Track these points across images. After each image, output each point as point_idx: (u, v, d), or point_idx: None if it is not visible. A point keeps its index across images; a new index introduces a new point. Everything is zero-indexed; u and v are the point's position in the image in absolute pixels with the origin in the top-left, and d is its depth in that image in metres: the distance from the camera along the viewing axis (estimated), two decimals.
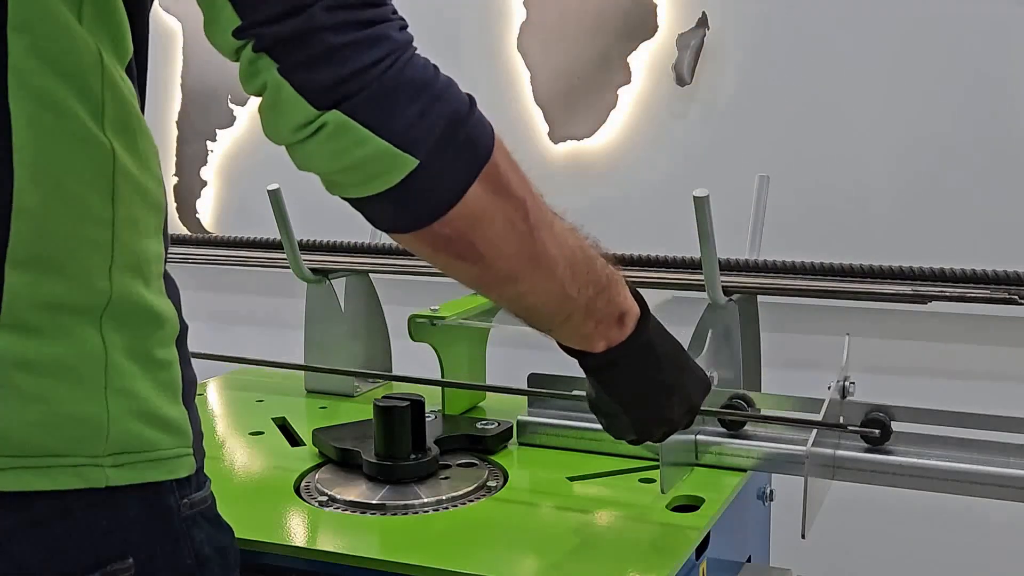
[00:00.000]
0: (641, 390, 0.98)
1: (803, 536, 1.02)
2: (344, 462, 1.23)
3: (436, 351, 1.41)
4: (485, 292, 0.89)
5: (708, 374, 1.25)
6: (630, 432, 1.01)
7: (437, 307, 1.40)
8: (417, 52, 0.79)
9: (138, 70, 0.81)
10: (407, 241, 0.82)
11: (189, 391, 0.84)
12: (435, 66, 0.80)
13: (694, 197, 1.22)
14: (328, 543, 1.06)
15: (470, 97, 0.81)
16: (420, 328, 1.39)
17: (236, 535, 1.06)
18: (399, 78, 0.75)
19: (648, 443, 1.11)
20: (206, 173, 2.22)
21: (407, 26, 0.79)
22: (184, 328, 0.85)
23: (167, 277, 0.84)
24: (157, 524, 0.80)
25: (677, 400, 1.00)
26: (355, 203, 0.79)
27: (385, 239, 1.70)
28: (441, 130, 0.77)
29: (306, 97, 0.73)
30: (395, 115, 0.75)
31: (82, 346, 0.75)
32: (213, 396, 1.60)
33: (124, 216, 0.77)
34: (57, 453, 0.74)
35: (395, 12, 0.79)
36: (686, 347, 1.34)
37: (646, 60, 1.82)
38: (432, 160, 0.76)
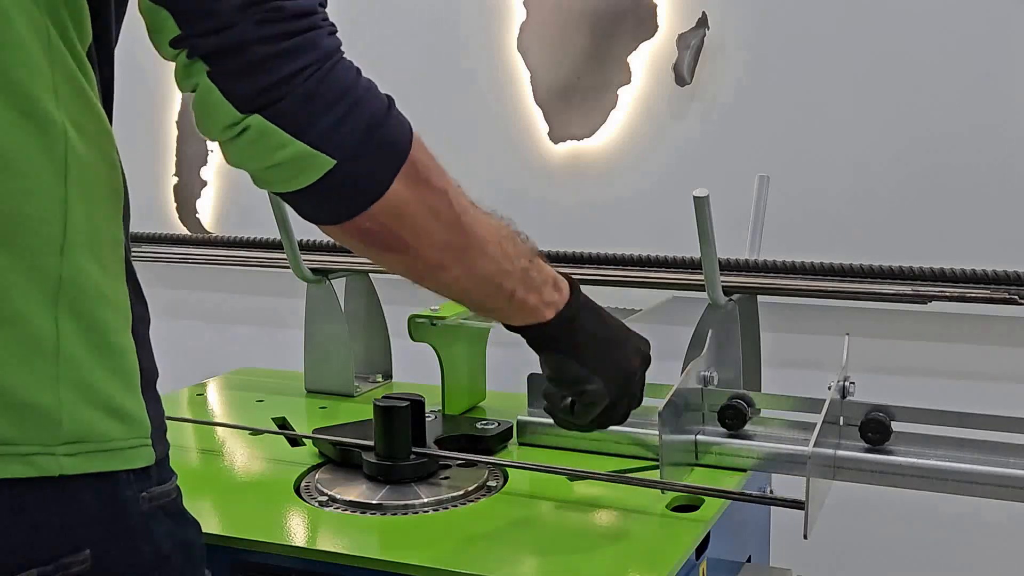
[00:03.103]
0: (601, 346, 1.03)
1: (805, 536, 1.02)
2: (344, 462, 1.23)
3: (436, 351, 1.40)
4: (420, 281, 0.95)
5: (708, 374, 1.27)
6: (603, 397, 1.03)
7: (437, 307, 1.40)
8: (343, 57, 0.84)
9: (102, 56, 0.82)
10: (336, 234, 0.88)
11: (148, 382, 0.85)
12: (358, 70, 0.86)
13: (694, 197, 1.22)
14: (328, 543, 1.06)
15: (389, 98, 0.88)
16: (420, 328, 1.39)
17: (236, 535, 1.06)
18: (320, 85, 0.81)
19: (647, 443, 1.12)
20: (206, 173, 2.22)
21: (336, 31, 0.84)
22: (144, 317, 0.85)
23: (128, 264, 0.84)
24: (114, 517, 0.79)
25: (631, 349, 1.06)
26: (283, 197, 0.85)
27: None
28: (359, 132, 0.83)
29: (232, 102, 0.79)
30: (313, 120, 0.80)
31: (33, 331, 0.75)
32: (213, 396, 1.60)
33: (77, 195, 0.77)
34: (8, 441, 0.74)
35: (325, 18, 0.83)
36: (686, 347, 1.35)
37: (646, 60, 1.82)
38: (350, 160, 0.82)
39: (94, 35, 0.80)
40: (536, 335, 1.02)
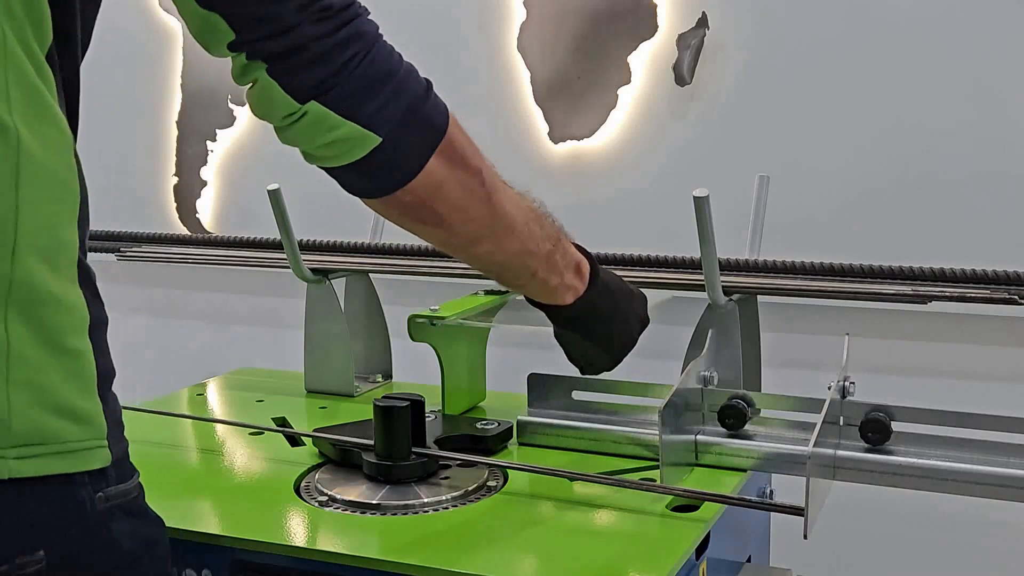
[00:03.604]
0: (610, 326, 1.14)
1: (805, 536, 1.02)
2: (344, 462, 1.23)
3: (436, 351, 1.40)
4: (455, 252, 1.05)
5: (708, 374, 1.27)
6: (607, 364, 1.20)
7: (437, 307, 1.40)
8: (382, 38, 0.89)
9: (64, 60, 0.82)
10: (378, 207, 0.96)
11: (105, 383, 0.85)
12: (399, 54, 0.91)
13: (694, 197, 1.22)
14: (328, 543, 1.06)
15: (428, 81, 0.94)
16: (420, 328, 1.39)
17: (236, 535, 1.06)
18: (369, 69, 0.87)
19: (647, 442, 1.13)
20: (206, 173, 2.22)
21: (370, 12, 0.89)
22: (101, 319, 0.86)
23: (83, 267, 0.84)
24: (69, 517, 0.79)
25: (634, 322, 1.18)
26: (331, 172, 0.94)
27: (385, 239, 1.70)
28: (402, 112, 0.90)
29: (291, 95, 0.86)
30: (363, 102, 0.87)
31: None
32: (213, 396, 1.60)
33: (30, 200, 0.77)
34: None
35: (361, 4, 0.89)
36: (686, 347, 1.35)
37: (646, 60, 1.82)
38: (393, 138, 0.89)
39: (55, 37, 0.80)
40: (554, 314, 1.11)
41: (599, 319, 1.13)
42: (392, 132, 0.89)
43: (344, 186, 0.95)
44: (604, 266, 1.51)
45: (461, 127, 0.97)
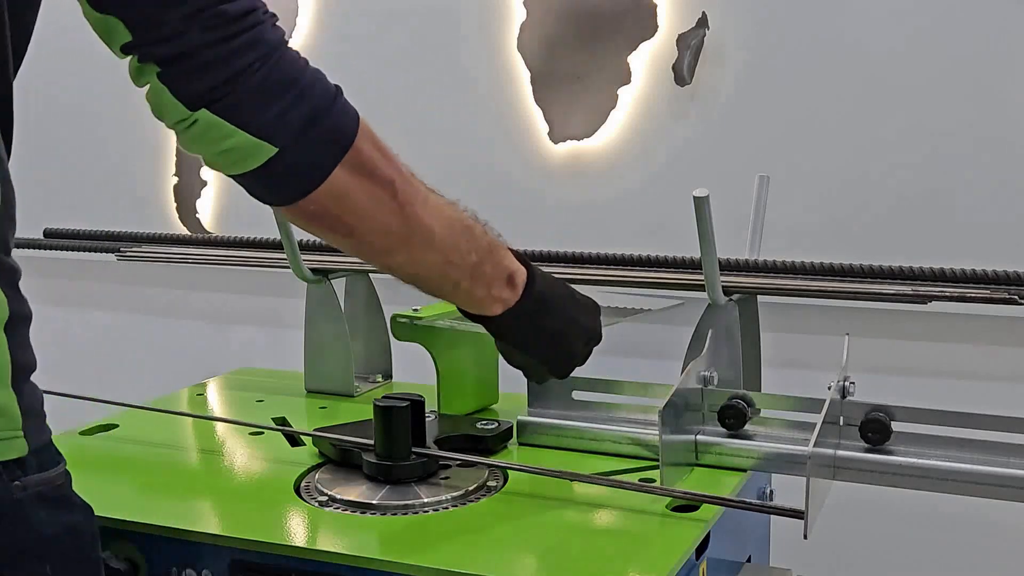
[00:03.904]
0: (544, 339, 1.12)
1: (805, 536, 1.02)
2: (344, 462, 1.23)
3: (430, 352, 1.40)
4: (367, 261, 1.03)
5: (708, 374, 1.26)
6: (547, 375, 1.18)
7: (419, 308, 1.42)
8: (287, 48, 0.88)
9: None
10: (284, 213, 0.94)
11: (20, 375, 0.86)
12: (304, 60, 0.89)
13: (694, 197, 1.22)
14: (328, 543, 1.06)
15: (336, 89, 0.91)
16: (402, 327, 1.41)
17: (236, 535, 1.06)
18: (266, 79, 0.85)
19: (647, 442, 1.13)
20: (206, 173, 2.22)
21: (278, 20, 0.88)
22: (21, 314, 0.87)
23: (4, 264, 0.87)
24: None
25: (575, 336, 1.15)
26: (234, 179, 0.92)
27: None
28: (302, 122, 0.87)
29: (181, 101, 0.85)
30: (257, 112, 0.86)
31: None
32: (213, 396, 1.60)
33: None
34: None
35: (266, 11, 0.87)
36: (686, 347, 1.35)
37: (646, 60, 1.82)
38: (292, 148, 0.87)
39: None
40: (484, 324, 1.10)
41: (531, 331, 1.11)
42: (291, 143, 0.87)
43: (250, 193, 0.94)
44: (605, 269, 1.51)
45: (374, 137, 0.94)
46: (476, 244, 1.03)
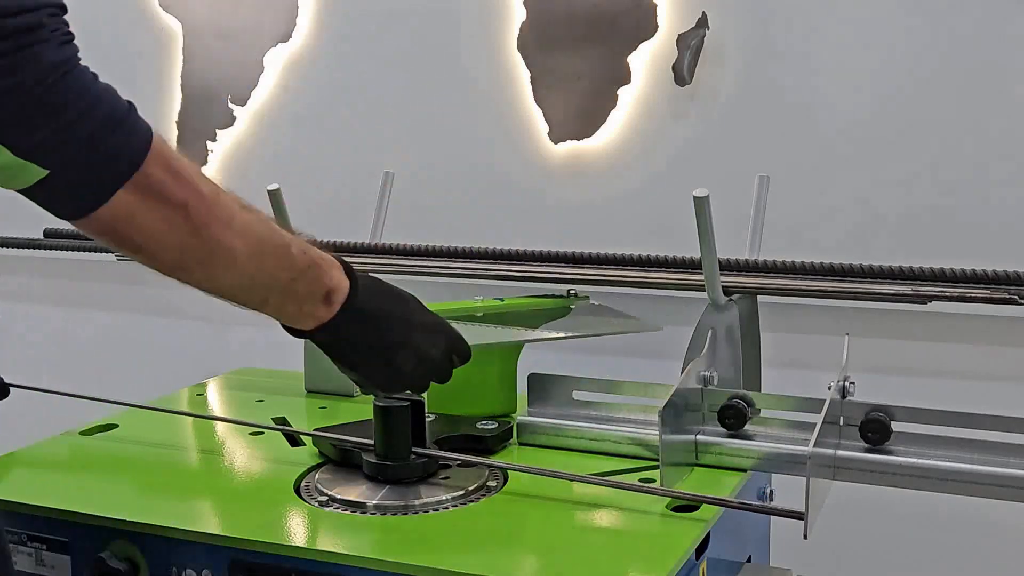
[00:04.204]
0: (363, 355, 1.09)
1: (805, 536, 1.02)
2: (344, 462, 1.23)
3: None
4: (167, 276, 0.99)
5: (708, 374, 1.26)
6: (371, 390, 1.17)
7: None
8: (73, 68, 0.85)
9: None
10: (73, 223, 0.92)
11: None
12: (92, 77, 0.87)
13: (694, 197, 1.22)
14: (328, 543, 1.06)
15: (127, 110, 0.89)
16: None
17: (236, 535, 1.06)
18: (37, 101, 0.82)
19: (647, 442, 1.12)
20: (206, 173, 2.21)
21: (70, 39, 0.86)
22: None
23: None
24: None
25: (405, 357, 1.11)
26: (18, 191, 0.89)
27: (385, 239, 1.70)
28: (77, 146, 0.85)
29: None
30: (24, 133, 0.83)
31: None
32: (213, 396, 1.60)
33: None
34: None
35: (55, 29, 0.85)
36: (686, 347, 1.34)
37: (646, 60, 1.82)
38: (64, 170, 0.85)
39: None
40: (302, 338, 1.08)
41: (349, 347, 1.09)
42: (63, 165, 0.85)
43: (35, 203, 0.91)
44: (605, 269, 1.51)
45: (169, 158, 0.92)
46: (289, 263, 1.01)
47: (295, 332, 1.07)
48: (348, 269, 1.07)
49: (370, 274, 1.11)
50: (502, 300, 1.46)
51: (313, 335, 1.07)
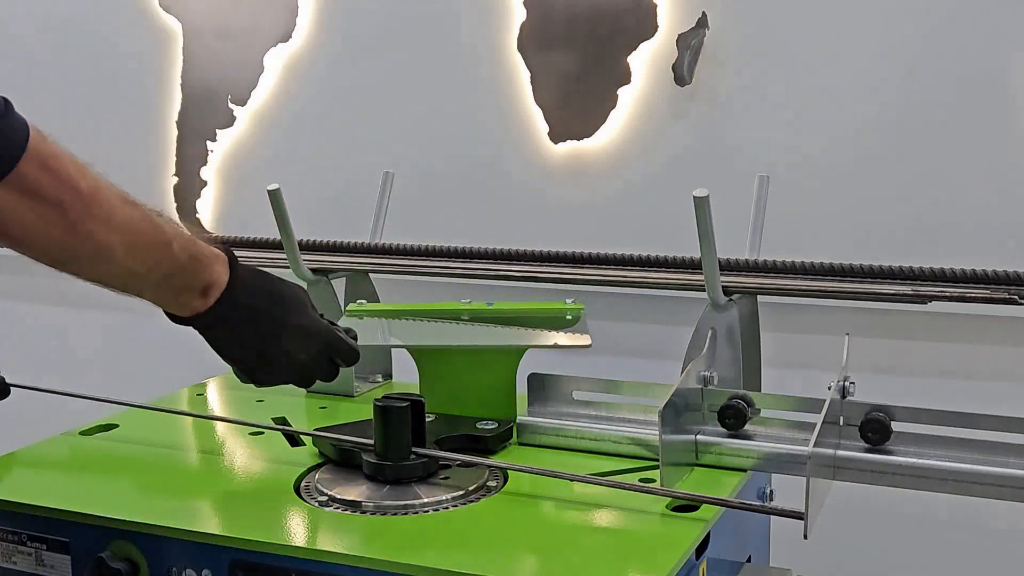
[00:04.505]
0: (233, 349, 1.15)
1: (805, 536, 1.02)
2: (344, 462, 1.23)
3: (412, 354, 1.41)
4: (48, 266, 1.03)
5: (708, 374, 1.26)
6: (245, 377, 1.19)
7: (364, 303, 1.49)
8: None
9: None
10: None
11: None
12: None
13: (694, 197, 1.22)
14: (328, 543, 1.06)
15: (2, 108, 0.92)
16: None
17: (236, 535, 1.06)
18: None
19: (647, 442, 1.12)
20: (206, 173, 2.22)
21: None
22: None
23: None
24: None
25: (274, 356, 1.16)
26: None
27: (385, 239, 1.70)
28: None
29: None
30: None
31: None
32: (213, 396, 1.60)
33: None
34: None
35: None
36: (686, 347, 1.34)
37: (646, 60, 1.82)
38: None
39: None
40: (178, 324, 1.13)
41: (223, 339, 1.14)
42: None
43: None
44: (605, 269, 1.50)
45: (46, 157, 0.95)
46: (169, 259, 1.06)
47: (172, 318, 1.12)
48: (233, 265, 1.12)
49: (263, 270, 1.17)
50: (490, 304, 1.46)
51: (188, 323, 1.12)
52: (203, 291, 1.10)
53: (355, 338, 1.24)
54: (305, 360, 1.17)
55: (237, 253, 1.75)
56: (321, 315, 1.21)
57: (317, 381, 1.22)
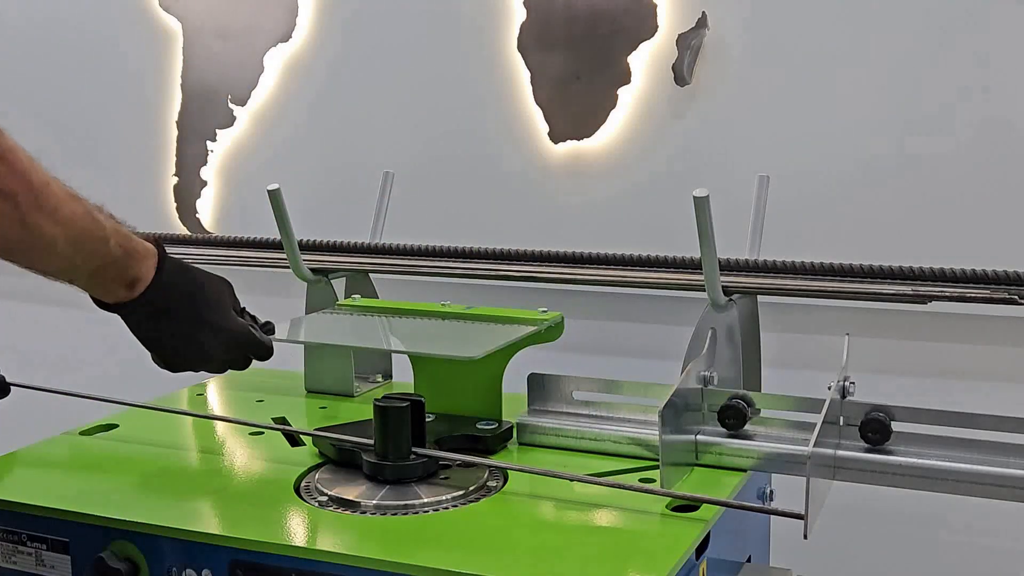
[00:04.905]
0: (152, 338, 1.20)
1: (805, 536, 1.02)
2: (344, 462, 1.23)
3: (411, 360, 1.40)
4: None
5: (708, 374, 1.26)
6: (160, 363, 1.23)
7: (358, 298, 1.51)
8: None
9: None
10: None
11: None
12: None
13: (694, 197, 1.22)
14: (328, 543, 1.06)
15: None
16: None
17: (235, 535, 1.06)
18: None
19: (647, 442, 1.11)
20: (206, 173, 2.22)
21: None
22: None
23: None
24: None
25: (186, 349, 1.21)
26: None
27: (385, 239, 1.70)
28: None
29: None
30: None
31: None
32: (213, 396, 1.60)
33: None
34: None
35: None
36: (686, 347, 1.34)
37: (646, 60, 1.82)
38: None
39: None
40: (102, 309, 1.18)
41: (143, 328, 1.19)
42: None
43: None
44: (605, 269, 1.51)
45: (3, 148, 0.98)
46: (104, 253, 1.11)
47: (97, 303, 1.17)
48: (160, 262, 1.17)
49: (191, 266, 1.22)
50: (467, 308, 1.47)
51: (112, 310, 1.17)
52: (130, 284, 1.15)
53: (272, 331, 1.32)
54: (218, 354, 1.23)
55: (237, 253, 1.77)
56: (243, 309, 1.29)
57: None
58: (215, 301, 1.23)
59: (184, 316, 1.20)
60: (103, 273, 1.13)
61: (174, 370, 1.24)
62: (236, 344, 1.25)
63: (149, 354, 1.23)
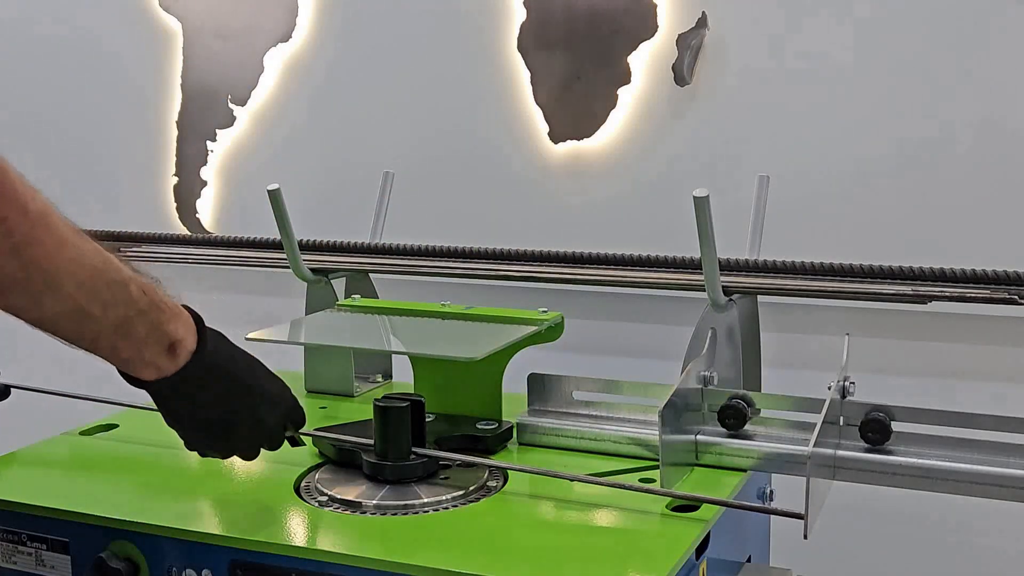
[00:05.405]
0: (200, 420, 1.03)
1: (805, 536, 1.02)
2: (344, 462, 1.23)
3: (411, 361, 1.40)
4: None
5: (708, 374, 1.26)
6: (193, 448, 1.08)
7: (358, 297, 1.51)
8: None
9: None
10: None
11: None
12: None
13: (694, 197, 1.22)
14: (328, 543, 1.06)
15: None
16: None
17: (235, 535, 1.06)
18: None
19: (647, 442, 1.11)
20: (206, 173, 2.21)
21: None
22: None
23: None
24: None
25: (245, 428, 1.07)
26: None
27: (385, 239, 1.70)
28: None
29: None
30: None
31: None
32: None
33: None
34: None
35: None
36: (686, 347, 1.34)
37: (646, 60, 1.82)
38: None
39: None
40: (138, 385, 1.00)
41: (187, 409, 1.03)
42: None
43: None
44: (605, 269, 1.51)
45: None
46: (126, 299, 0.94)
47: (133, 381, 0.99)
48: (198, 322, 1.01)
49: (217, 331, 1.05)
50: (467, 308, 1.47)
51: (151, 387, 0.99)
52: (170, 348, 0.98)
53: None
54: (271, 426, 1.09)
55: (237, 253, 1.77)
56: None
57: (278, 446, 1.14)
58: (262, 366, 1.10)
59: (241, 388, 1.04)
60: (132, 328, 0.95)
61: (210, 453, 1.09)
62: (285, 412, 1.11)
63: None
